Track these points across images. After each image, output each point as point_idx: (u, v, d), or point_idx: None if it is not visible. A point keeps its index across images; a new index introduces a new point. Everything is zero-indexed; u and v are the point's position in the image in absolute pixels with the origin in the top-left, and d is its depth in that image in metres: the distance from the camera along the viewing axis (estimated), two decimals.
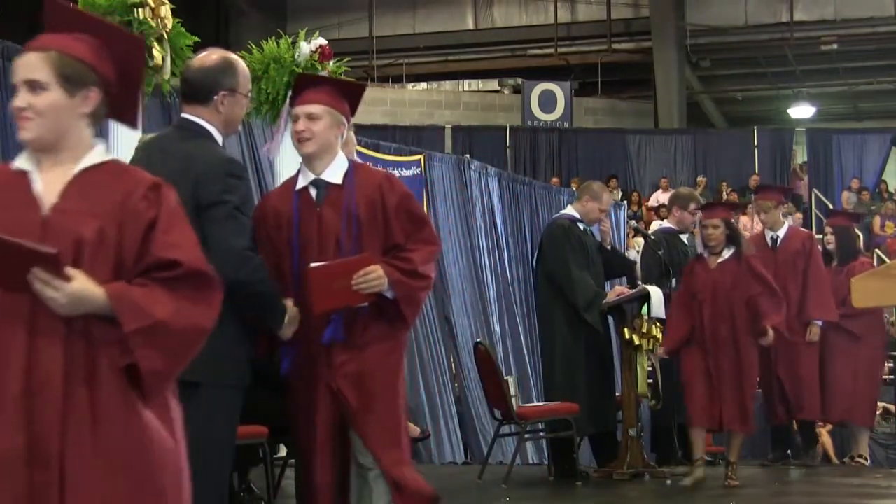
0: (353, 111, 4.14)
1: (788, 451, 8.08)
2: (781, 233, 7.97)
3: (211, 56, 3.81)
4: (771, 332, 6.80)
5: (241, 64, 3.87)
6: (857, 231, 9.23)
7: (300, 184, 4.01)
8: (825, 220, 8.82)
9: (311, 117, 3.96)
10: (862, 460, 8.18)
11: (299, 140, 3.98)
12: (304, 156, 4.00)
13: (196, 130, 3.73)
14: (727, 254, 6.87)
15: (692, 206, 7.89)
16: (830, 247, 8.32)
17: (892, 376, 11.61)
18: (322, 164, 3.96)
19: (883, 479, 7.61)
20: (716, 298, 6.80)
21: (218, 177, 3.61)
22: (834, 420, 8.47)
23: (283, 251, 3.94)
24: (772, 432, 8.20)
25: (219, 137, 3.80)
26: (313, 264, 3.79)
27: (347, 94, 4.12)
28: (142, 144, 4.12)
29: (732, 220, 6.99)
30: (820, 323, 7.82)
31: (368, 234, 3.90)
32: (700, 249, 7.10)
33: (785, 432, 8.11)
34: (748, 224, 19.02)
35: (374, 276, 3.80)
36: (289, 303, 3.81)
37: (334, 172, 3.99)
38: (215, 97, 3.74)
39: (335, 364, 3.90)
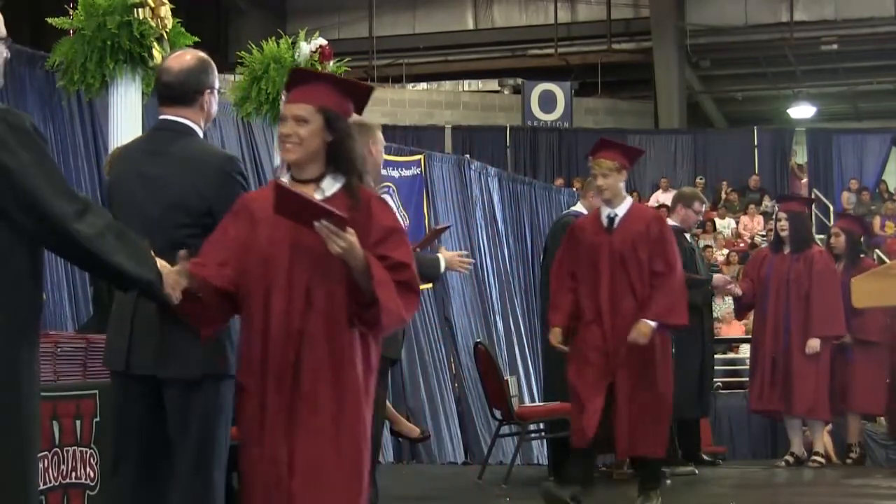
0: None
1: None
2: (621, 211, 5.92)
3: (185, 57, 3.82)
4: None
5: (212, 61, 3.89)
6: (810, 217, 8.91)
7: None
8: (777, 207, 8.57)
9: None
10: (819, 458, 8.13)
11: None
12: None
13: (183, 131, 3.74)
14: (335, 186, 3.50)
15: (696, 204, 7.88)
16: (784, 233, 8.16)
17: None
18: None
19: (883, 479, 7.61)
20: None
21: (230, 177, 3.65)
22: (798, 413, 8.27)
23: None
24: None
25: (201, 135, 3.82)
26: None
27: None
28: (121, 153, 4.12)
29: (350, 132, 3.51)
30: (653, 324, 5.72)
31: None
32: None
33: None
34: (748, 224, 19.03)
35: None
36: None
37: None
38: (200, 97, 3.76)
39: None
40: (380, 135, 5.26)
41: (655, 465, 5.90)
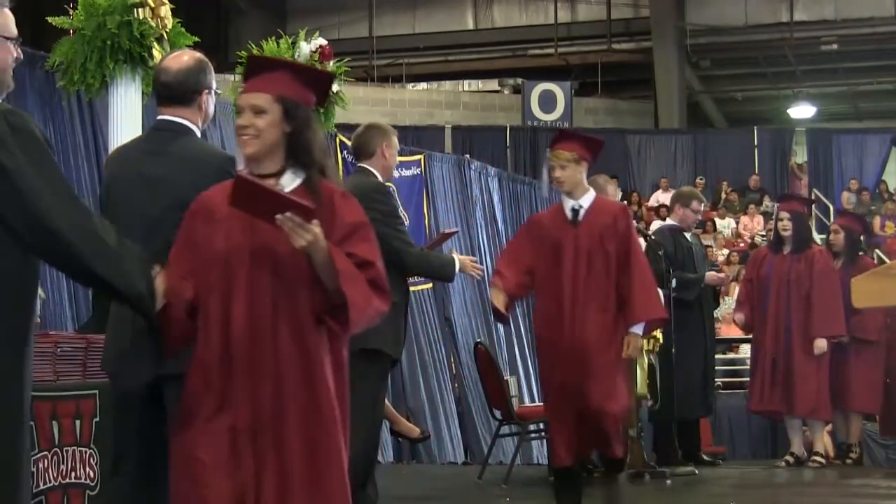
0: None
1: None
2: (585, 202, 5.63)
3: (183, 57, 3.84)
4: None
5: (209, 61, 3.90)
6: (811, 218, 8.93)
7: None
8: (777, 206, 8.54)
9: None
10: (819, 458, 8.12)
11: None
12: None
13: (182, 130, 3.75)
14: (295, 181, 3.35)
15: (694, 203, 7.92)
16: (786, 233, 8.15)
17: None
18: None
19: (883, 479, 7.61)
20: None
21: (229, 176, 3.64)
22: (800, 414, 8.26)
23: None
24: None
25: (199, 135, 3.83)
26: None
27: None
28: (119, 153, 4.12)
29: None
30: (639, 330, 5.60)
31: None
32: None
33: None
34: (748, 224, 19.02)
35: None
36: None
37: None
38: (198, 97, 3.77)
39: None
40: (395, 139, 5.35)
41: (619, 464, 5.87)
